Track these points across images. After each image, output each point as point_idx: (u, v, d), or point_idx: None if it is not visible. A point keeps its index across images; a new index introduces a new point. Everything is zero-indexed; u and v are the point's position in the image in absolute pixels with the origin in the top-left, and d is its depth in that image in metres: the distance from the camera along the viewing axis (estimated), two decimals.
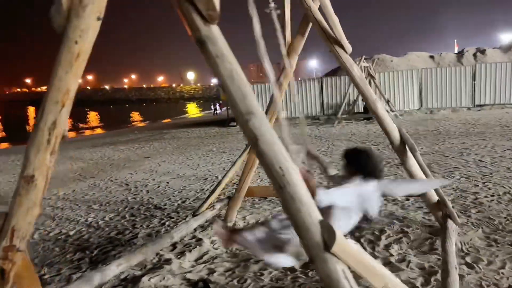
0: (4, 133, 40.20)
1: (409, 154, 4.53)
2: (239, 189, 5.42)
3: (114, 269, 3.44)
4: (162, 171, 10.38)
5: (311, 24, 4.62)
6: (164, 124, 34.54)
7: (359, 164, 2.85)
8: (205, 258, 4.40)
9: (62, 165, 12.83)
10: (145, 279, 3.88)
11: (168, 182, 8.85)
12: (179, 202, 7.05)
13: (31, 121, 53.39)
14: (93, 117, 58.67)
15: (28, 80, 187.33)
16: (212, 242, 4.77)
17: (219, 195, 5.46)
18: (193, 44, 1.78)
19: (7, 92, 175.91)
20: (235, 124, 20.00)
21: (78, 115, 53.72)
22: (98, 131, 35.61)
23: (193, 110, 62.84)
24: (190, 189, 7.97)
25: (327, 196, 2.48)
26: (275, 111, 4.81)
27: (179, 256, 4.43)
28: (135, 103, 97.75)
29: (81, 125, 42.30)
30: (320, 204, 2.28)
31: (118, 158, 13.90)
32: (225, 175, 5.33)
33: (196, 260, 4.35)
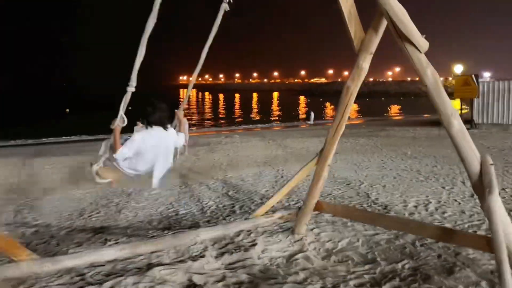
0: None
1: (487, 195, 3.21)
2: (306, 202, 4.95)
3: (114, 253, 3.78)
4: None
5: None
6: (395, 121, 33.02)
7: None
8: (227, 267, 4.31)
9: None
10: (156, 269, 4.13)
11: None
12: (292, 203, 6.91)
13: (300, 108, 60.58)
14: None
15: (303, 72, 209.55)
16: (248, 251, 4.59)
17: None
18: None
19: (287, 82, 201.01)
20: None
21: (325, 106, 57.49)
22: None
23: (456, 106, 57.20)
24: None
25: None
26: None
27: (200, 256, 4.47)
28: (392, 97, 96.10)
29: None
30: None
31: (301, 149, 14.41)
32: (289, 181, 4.94)
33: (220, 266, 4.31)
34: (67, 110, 50.93)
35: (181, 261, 4.39)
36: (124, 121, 3.87)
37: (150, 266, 4.26)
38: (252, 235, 5.20)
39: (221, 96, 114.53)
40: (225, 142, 17.92)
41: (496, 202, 3.14)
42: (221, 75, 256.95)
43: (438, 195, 7.10)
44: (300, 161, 11.66)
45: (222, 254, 4.63)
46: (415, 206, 6.44)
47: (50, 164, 12.45)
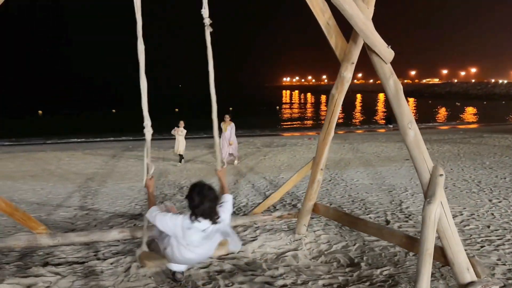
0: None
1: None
2: (303, 204, 5.20)
3: (114, 234, 4.51)
4: (381, 175, 10.06)
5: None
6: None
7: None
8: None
9: None
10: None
11: (357, 186, 8.72)
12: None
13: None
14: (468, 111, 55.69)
15: (413, 72, 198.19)
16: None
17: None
18: None
19: None
20: None
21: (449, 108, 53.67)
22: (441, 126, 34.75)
23: None
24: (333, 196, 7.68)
25: None
26: None
27: None
28: None
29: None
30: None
31: (372, 153, 14.09)
32: (285, 183, 5.23)
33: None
34: (176, 109, 52.42)
35: None
36: (151, 170, 3.43)
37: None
38: (257, 231, 5.59)
39: (323, 97, 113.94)
40: (301, 144, 18.21)
41: (432, 213, 3.17)
42: (324, 76, 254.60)
43: (477, 208, 6.71)
44: (362, 165, 11.60)
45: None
46: None
47: (135, 158, 14.02)
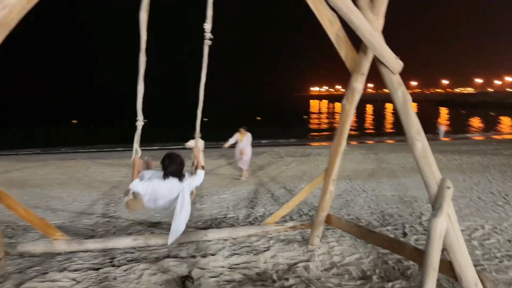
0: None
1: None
2: (316, 215, 5.18)
3: (128, 242, 4.63)
4: (404, 186, 9.88)
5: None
6: None
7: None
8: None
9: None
10: (168, 260, 4.86)
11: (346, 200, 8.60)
12: None
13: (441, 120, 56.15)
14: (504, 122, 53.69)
15: (445, 81, 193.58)
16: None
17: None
18: None
19: (427, 92, 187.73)
20: None
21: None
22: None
23: None
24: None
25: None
26: None
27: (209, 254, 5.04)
28: None
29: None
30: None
31: (396, 164, 13.82)
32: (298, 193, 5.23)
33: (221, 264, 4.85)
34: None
35: (193, 256, 5.04)
36: (138, 153, 4.21)
37: (165, 257, 5.00)
38: (271, 241, 5.60)
39: None
40: (325, 154, 18.03)
41: (437, 225, 3.11)
42: None
43: (501, 221, 6.50)
44: (385, 176, 11.42)
45: (233, 254, 5.14)
46: (463, 230, 6.03)
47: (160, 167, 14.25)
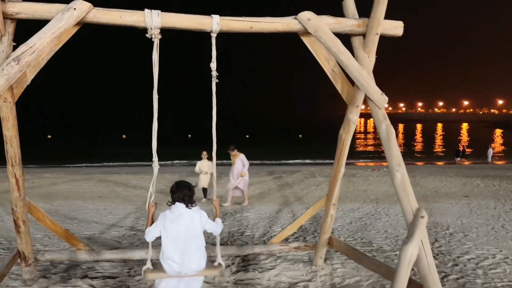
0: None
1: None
2: (319, 237, 5.44)
3: (142, 254, 5.10)
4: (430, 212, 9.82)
5: None
6: None
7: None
8: None
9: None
10: None
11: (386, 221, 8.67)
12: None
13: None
14: None
15: (500, 102, 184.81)
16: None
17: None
18: None
19: (480, 113, 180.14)
20: None
21: None
22: None
23: None
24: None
25: None
26: None
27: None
28: None
29: None
30: None
31: (431, 189, 13.64)
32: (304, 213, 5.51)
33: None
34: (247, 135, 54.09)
35: None
36: (152, 198, 4.12)
37: None
38: (278, 260, 5.90)
39: (400, 126, 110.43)
40: (359, 175, 18.03)
41: (407, 253, 3.34)
42: (401, 104, 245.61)
43: None
44: None
45: (240, 271, 5.49)
46: (472, 258, 6.06)
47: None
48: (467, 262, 5.93)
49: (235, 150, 10.80)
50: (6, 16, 3.52)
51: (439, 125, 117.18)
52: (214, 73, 4.12)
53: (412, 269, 3.45)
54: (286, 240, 6.09)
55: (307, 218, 5.56)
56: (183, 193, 3.82)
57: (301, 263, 5.76)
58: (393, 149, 3.83)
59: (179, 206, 3.81)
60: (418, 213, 3.56)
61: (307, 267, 5.62)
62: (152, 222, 3.98)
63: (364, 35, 4.19)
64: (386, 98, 3.99)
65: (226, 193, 11.17)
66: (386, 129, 3.90)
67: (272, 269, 5.57)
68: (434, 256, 6.08)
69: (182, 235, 3.77)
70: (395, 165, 3.76)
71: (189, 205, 3.84)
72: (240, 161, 10.67)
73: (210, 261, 4.03)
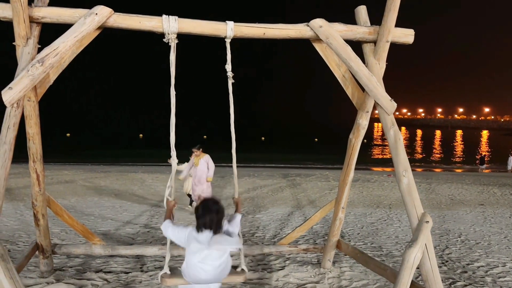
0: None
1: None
2: (328, 239, 5.52)
3: (155, 250, 5.27)
4: (443, 219, 9.79)
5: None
6: None
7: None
8: None
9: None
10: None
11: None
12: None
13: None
14: None
15: None
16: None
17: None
18: None
19: (501, 120, 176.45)
20: None
21: None
22: None
23: None
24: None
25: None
26: None
27: None
28: None
29: None
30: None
31: (447, 195, 13.52)
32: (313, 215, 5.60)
33: None
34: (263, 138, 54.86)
35: None
36: (172, 195, 3.97)
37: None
38: (287, 261, 6.00)
39: (419, 132, 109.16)
40: (374, 180, 17.96)
41: (410, 256, 3.40)
42: (420, 110, 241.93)
43: None
44: (428, 208, 11.31)
45: (249, 270, 5.59)
46: (481, 266, 6.05)
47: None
48: (476, 269, 5.94)
49: (201, 149, 9.52)
50: (32, 20, 3.72)
51: (459, 132, 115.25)
52: (230, 74, 4.24)
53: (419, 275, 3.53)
54: (295, 241, 6.18)
55: (316, 221, 5.64)
56: (210, 218, 3.25)
57: (309, 265, 5.84)
58: (400, 154, 3.90)
59: (207, 235, 3.25)
60: (423, 217, 3.62)
61: (316, 269, 5.70)
62: (169, 215, 3.78)
63: (375, 42, 4.27)
64: (395, 105, 4.06)
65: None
66: (394, 135, 3.97)
67: (280, 269, 5.67)
68: (443, 263, 6.13)
69: (203, 264, 3.31)
70: (401, 171, 3.84)
71: (218, 231, 3.30)
72: (204, 162, 9.45)
73: (233, 266, 3.67)
